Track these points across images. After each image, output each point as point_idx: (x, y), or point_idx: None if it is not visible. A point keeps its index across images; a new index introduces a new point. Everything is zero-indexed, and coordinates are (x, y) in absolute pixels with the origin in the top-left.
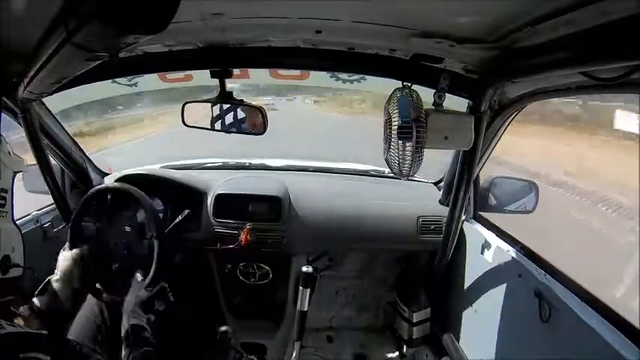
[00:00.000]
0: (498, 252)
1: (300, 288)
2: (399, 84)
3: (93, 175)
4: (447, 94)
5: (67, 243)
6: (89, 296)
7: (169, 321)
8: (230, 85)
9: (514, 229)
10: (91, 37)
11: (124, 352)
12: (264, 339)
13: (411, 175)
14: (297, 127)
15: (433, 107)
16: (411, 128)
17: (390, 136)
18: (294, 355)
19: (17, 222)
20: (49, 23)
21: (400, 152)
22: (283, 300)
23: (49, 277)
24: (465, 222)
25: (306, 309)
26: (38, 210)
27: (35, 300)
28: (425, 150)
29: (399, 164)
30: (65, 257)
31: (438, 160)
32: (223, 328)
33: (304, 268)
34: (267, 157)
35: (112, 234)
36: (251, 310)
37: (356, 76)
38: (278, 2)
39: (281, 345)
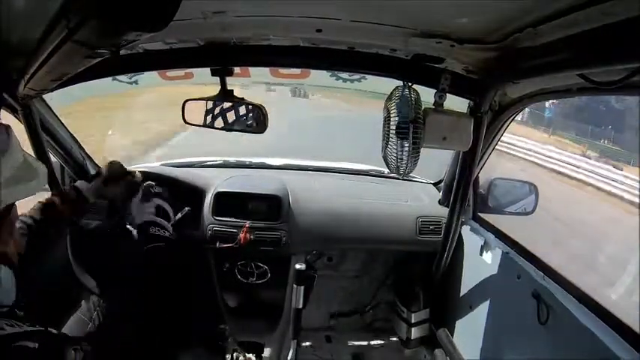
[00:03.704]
0: (497, 253)
1: (294, 286)
2: (399, 84)
3: (92, 172)
4: (447, 94)
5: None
6: (84, 301)
7: (167, 319)
8: None
9: None
10: (92, 34)
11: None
12: (261, 338)
13: (407, 174)
14: None
15: (433, 107)
16: (409, 127)
17: (389, 133)
18: (290, 353)
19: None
20: (50, 20)
21: (398, 150)
22: (281, 299)
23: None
24: (464, 223)
25: (301, 307)
26: None
27: (79, 183)
28: (422, 149)
29: (396, 162)
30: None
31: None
32: (222, 327)
33: (297, 266)
34: (267, 156)
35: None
36: (249, 309)
37: (356, 76)
38: (278, 1)
39: (278, 344)
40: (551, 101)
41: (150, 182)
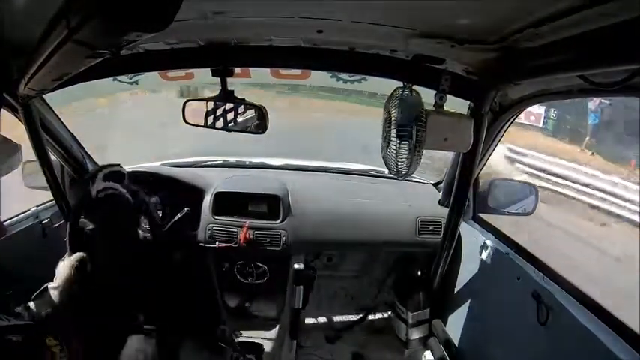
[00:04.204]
0: (497, 254)
1: (294, 286)
2: (400, 84)
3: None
4: (448, 95)
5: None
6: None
7: (166, 319)
8: None
9: None
10: (92, 34)
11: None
12: (261, 338)
13: (408, 176)
14: None
15: (434, 108)
16: (411, 128)
17: (389, 135)
18: (290, 353)
19: (16, 218)
20: (51, 20)
21: (398, 152)
22: (280, 299)
23: (47, 284)
24: (463, 223)
25: (300, 307)
26: (37, 206)
27: (31, 304)
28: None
29: (396, 163)
30: (65, 265)
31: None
32: (221, 327)
33: (296, 266)
34: (266, 156)
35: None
36: (248, 309)
37: (357, 76)
38: (279, 1)
39: (278, 344)
40: (594, 100)
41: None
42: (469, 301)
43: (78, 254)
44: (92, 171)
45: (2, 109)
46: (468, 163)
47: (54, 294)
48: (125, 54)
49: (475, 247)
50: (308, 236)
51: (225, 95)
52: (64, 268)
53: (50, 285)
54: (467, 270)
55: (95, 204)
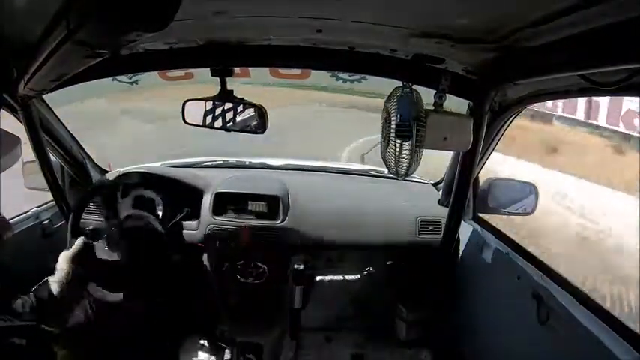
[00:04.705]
0: (497, 253)
1: (293, 286)
2: (400, 84)
3: (92, 172)
4: (447, 94)
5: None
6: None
7: (166, 319)
8: None
9: None
10: (92, 34)
11: None
12: (261, 338)
13: (408, 175)
14: None
15: (433, 107)
16: (410, 128)
17: (389, 134)
18: (290, 354)
19: (17, 218)
20: (51, 20)
21: (398, 152)
22: (280, 299)
23: (47, 278)
24: (463, 223)
25: (300, 307)
26: (37, 207)
27: (32, 297)
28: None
29: (395, 164)
30: (64, 257)
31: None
32: (221, 327)
33: (295, 265)
34: (266, 156)
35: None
36: (247, 309)
37: (356, 76)
38: (278, 1)
39: (278, 344)
40: None
41: (125, 175)
42: (469, 301)
43: (75, 246)
44: (121, 180)
45: (2, 110)
46: (468, 162)
47: (54, 287)
48: (125, 54)
49: (475, 246)
50: (307, 236)
51: (225, 95)
52: (62, 261)
53: (51, 278)
54: (467, 270)
55: (121, 232)
